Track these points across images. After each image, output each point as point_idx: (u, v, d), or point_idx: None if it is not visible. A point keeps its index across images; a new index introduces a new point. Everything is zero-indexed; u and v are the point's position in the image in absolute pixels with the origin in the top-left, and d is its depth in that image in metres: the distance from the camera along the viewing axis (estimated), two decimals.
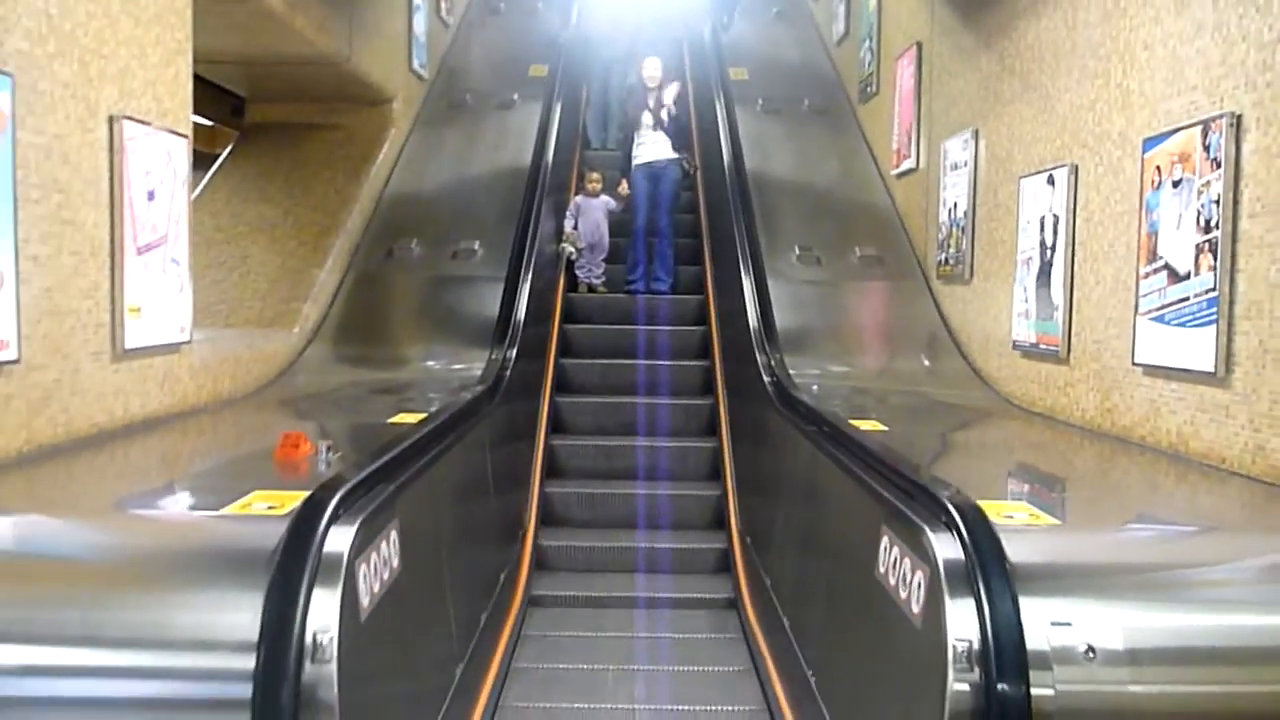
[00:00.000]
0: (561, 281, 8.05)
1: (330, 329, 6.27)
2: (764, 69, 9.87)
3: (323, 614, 2.28)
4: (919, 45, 6.97)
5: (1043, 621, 2.31)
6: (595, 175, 8.20)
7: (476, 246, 7.09)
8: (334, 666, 2.24)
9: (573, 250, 7.99)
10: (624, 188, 8.17)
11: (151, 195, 3.96)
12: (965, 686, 2.29)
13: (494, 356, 5.61)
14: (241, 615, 2.28)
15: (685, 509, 6.20)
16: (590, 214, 8.08)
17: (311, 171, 7.31)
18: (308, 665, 2.23)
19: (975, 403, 5.27)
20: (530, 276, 6.48)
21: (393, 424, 4.15)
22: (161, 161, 4.04)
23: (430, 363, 6.16)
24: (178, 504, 3.06)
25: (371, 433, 4.19)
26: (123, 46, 3.77)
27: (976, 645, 2.29)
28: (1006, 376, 5.30)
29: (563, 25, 10.78)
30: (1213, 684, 2.37)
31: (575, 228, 8.04)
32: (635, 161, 8.08)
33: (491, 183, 7.88)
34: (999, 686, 2.25)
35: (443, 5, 9.64)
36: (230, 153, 7.56)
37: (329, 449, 3.43)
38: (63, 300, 3.42)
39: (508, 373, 5.39)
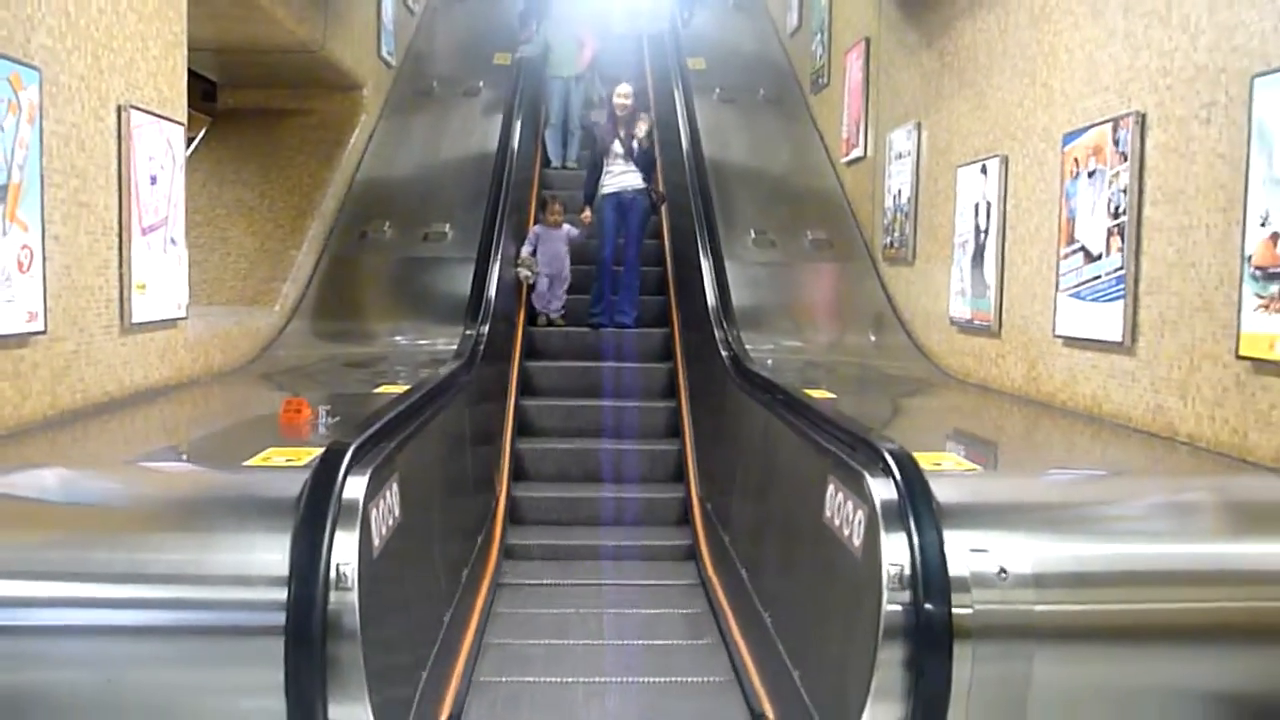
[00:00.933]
0: (521, 315, 7.67)
1: (309, 307, 6.56)
2: (721, 59, 10.22)
3: (344, 551, 2.62)
4: (867, 40, 7.38)
5: (963, 550, 2.71)
6: (558, 206, 7.75)
7: (447, 229, 7.40)
8: (355, 595, 2.59)
9: (529, 274, 7.53)
10: (587, 215, 7.75)
11: (154, 180, 4.25)
12: (897, 606, 2.69)
13: (468, 332, 5.94)
14: (272, 554, 2.61)
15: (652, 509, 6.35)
16: (551, 244, 7.62)
17: (286, 156, 7.57)
18: (333, 595, 2.57)
19: (917, 374, 5.70)
20: (499, 259, 6.80)
21: (379, 393, 4.49)
22: (162, 148, 4.32)
23: (404, 339, 6.49)
24: (205, 459, 3.38)
25: (360, 401, 4.51)
26: (129, 40, 4.05)
27: (907, 570, 2.69)
28: (945, 350, 5.73)
29: (523, 28, 10.34)
30: (1104, 603, 2.79)
31: (534, 254, 7.61)
32: (603, 191, 7.67)
33: (460, 167, 8.19)
34: (925, 605, 2.65)
35: None
36: (205, 136, 7.80)
37: (327, 414, 3.77)
38: (79, 277, 3.71)
39: (481, 346, 5.73)
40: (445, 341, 6.16)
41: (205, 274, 6.49)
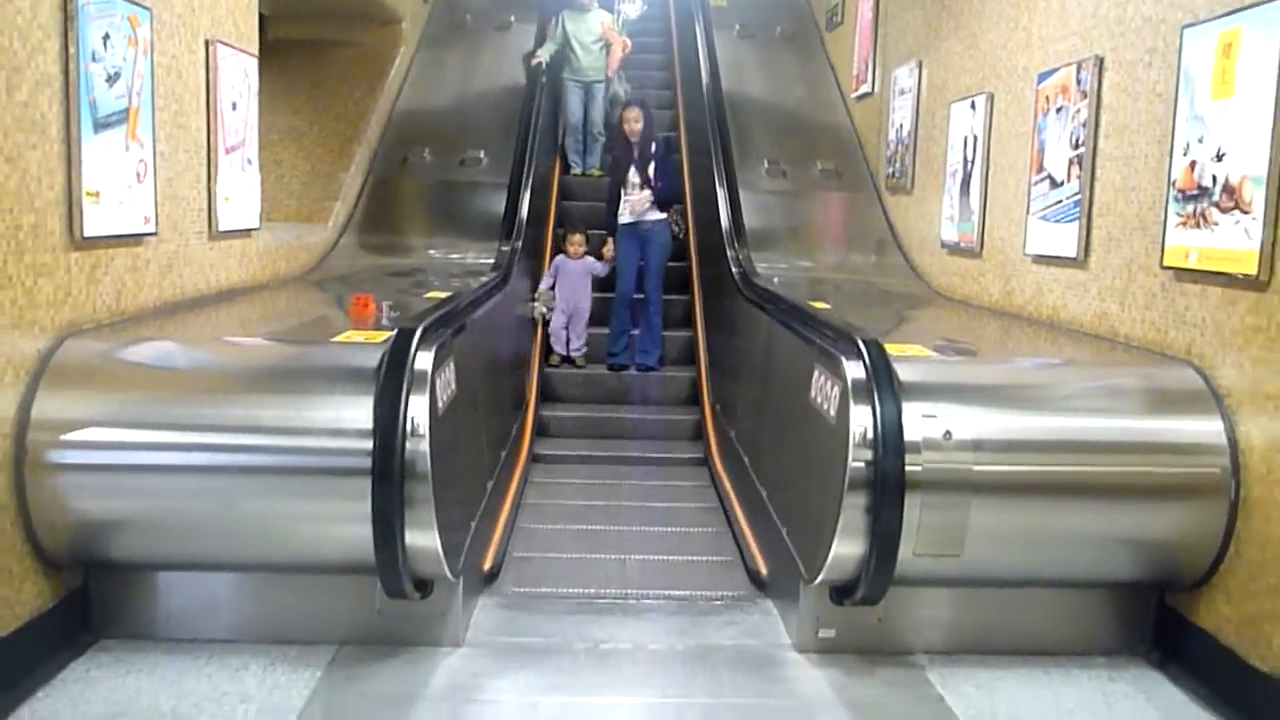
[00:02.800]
0: (536, 354, 7.39)
1: (357, 224, 7.19)
2: None
3: (416, 408, 3.28)
4: None
5: (917, 417, 3.34)
6: (578, 237, 7.39)
7: (481, 155, 7.97)
8: (427, 443, 3.25)
9: (545, 310, 7.26)
10: (609, 249, 7.48)
11: (234, 106, 4.85)
12: (861, 463, 3.33)
13: (503, 248, 6.58)
14: (358, 410, 3.28)
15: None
16: (570, 278, 7.33)
17: (332, 86, 8.12)
18: (408, 443, 3.23)
19: (911, 291, 6.28)
20: (531, 180, 7.40)
21: (428, 298, 5.12)
22: (240, 77, 4.92)
23: (443, 253, 7.13)
24: (298, 337, 4.05)
25: (411, 303, 5.15)
26: None
27: (870, 434, 3.32)
28: (937, 271, 6.30)
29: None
30: (1028, 464, 3.45)
31: (552, 288, 7.37)
32: (620, 221, 7.43)
33: (493, 98, 8.72)
34: (883, 462, 3.29)
35: None
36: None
37: (390, 308, 4.42)
38: (179, 189, 4.33)
39: (515, 261, 6.37)
40: (475, 256, 6.81)
41: (264, 193, 7.08)
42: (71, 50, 3.41)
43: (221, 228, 4.74)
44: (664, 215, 7.42)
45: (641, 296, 7.45)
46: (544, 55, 8.83)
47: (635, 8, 8.85)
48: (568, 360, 7.35)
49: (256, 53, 5.17)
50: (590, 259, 7.41)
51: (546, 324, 7.39)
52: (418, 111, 8.49)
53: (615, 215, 7.42)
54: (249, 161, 5.09)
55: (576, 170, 9.36)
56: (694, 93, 9.19)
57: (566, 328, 7.37)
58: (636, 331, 7.47)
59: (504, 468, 5.27)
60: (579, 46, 9.03)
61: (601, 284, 7.64)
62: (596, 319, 7.53)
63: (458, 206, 7.67)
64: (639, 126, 7.38)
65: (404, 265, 6.71)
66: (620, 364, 7.39)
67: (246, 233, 5.11)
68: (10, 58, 3.12)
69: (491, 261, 6.53)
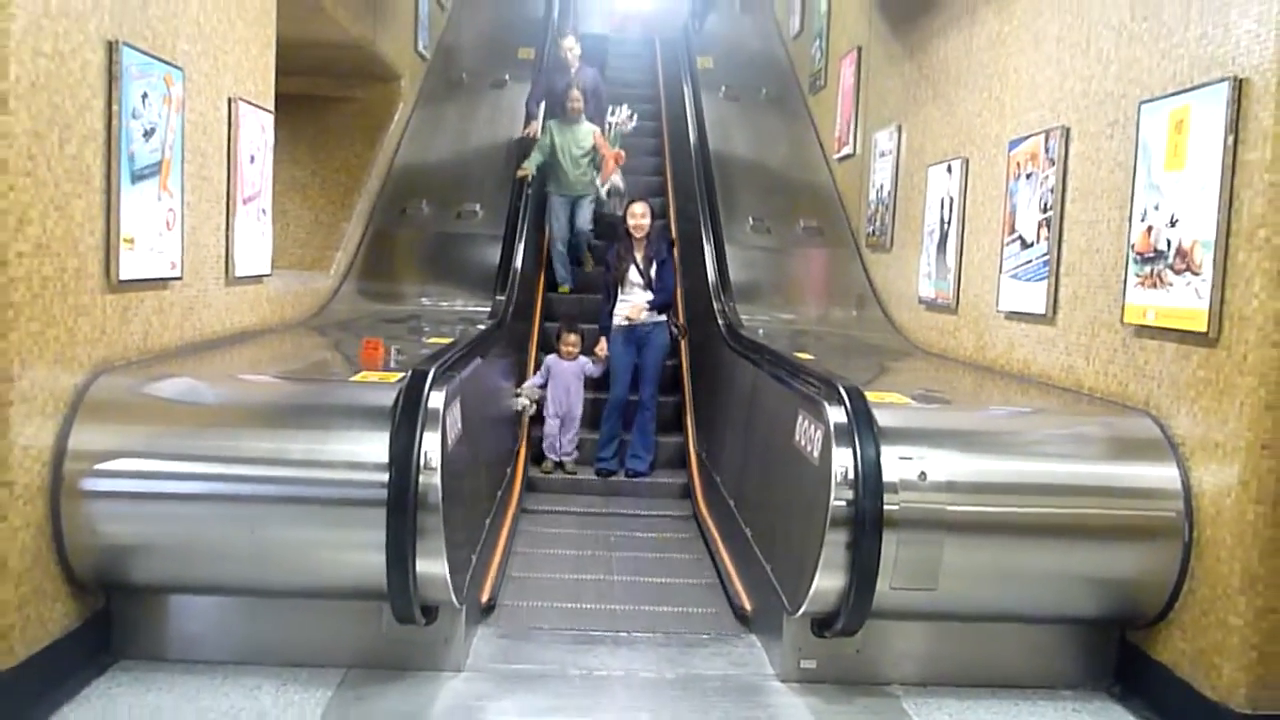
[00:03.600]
0: (521, 460, 6.94)
1: (357, 273, 7.47)
2: (727, 58, 11.06)
3: (429, 443, 3.51)
4: (859, 49, 8.23)
5: (894, 459, 3.60)
6: (572, 337, 6.96)
7: (477, 209, 8.27)
8: (438, 477, 3.48)
9: (527, 404, 6.77)
10: (602, 348, 7.01)
11: (252, 159, 5.12)
12: (842, 502, 3.58)
13: (498, 297, 6.85)
14: (375, 445, 3.52)
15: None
16: (562, 379, 6.91)
17: (333, 139, 8.45)
18: (422, 475, 3.46)
19: (889, 344, 6.57)
20: (524, 235, 7.69)
21: (430, 342, 5.37)
22: (258, 132, 5.19)
23: (442, 302, 7.40)
24: (316, 375, 4.29)
25: (414, 347, 5.40)
26: (237, 44, 4.91)
27: (851, 474, 3.58)
28: (914, 326, 6.60)
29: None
30: (998, 506, 3.71)
31: (544, 385, 6.93)
32: (615, 322, 6.94)
33: (489, 154, 9.04)
34: (863, 502, 3.54)
35: None
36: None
37: (396, 352, 4.67)
38: (201, 236, 4.58)
39: (510, 309, 6.64)
40: (474, 305, 7.07)
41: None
42: (115, 108, 3.68)
43: (237, 274, 4.98)
44: (664, 318, 7.00)
45: (634, 398, 7.08)
46: (530, 167, 8.28)
47: (627, 117, 8.46)
48: (559, 466, 7.02)
49: (272, 109, 5.45)
50: (583, 359, 7.00)
51: (539, 420, 7.01)
52: (416, 165, 8.81)
53: (609, 312, 6.95)
54: (263, 211, 5.35)
55: (565, 287, 8.80)
56: (681, 151, 9.54)
57: (559, 431, 7.00)
58: (628, 436, 7.14)
59: (498, 511, 5.48)
60: (567, 160, 8.37)
61: (594, 384, 7.28)
62: (586, 421, 7.21)
63: (455, 257, 7.94)
64: (645, 223, 6.87)
65: (404, 311, 6.98)
66: (608, 469, 7.02)
67: (259, 279, 5.36)
68: (63, 115, 3.38)
69: (488, 310, 6.79)
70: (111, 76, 3.66)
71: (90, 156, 3.58)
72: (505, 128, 9.40)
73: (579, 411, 6.96)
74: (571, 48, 8.93)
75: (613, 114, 8.54)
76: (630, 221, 6.88)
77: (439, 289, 7.60)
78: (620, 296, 6.90)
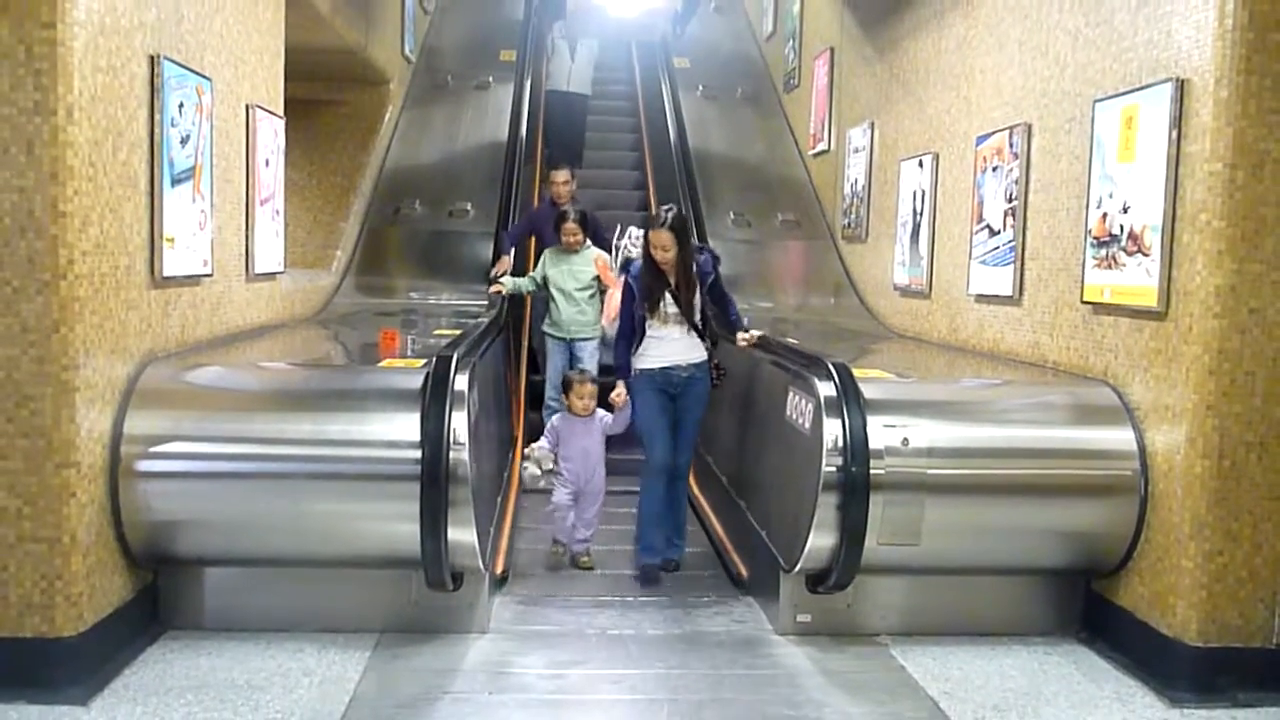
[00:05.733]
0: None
1: (356, 270, 7.76)
2: (703, 58, 11.38)
3: (457, 422, 3.84)
4: (832, 50, 8.60)
5: (879, 428, 3.97)
6: (588, 388, 5.27)
7: (469, 207, 8.57)
8: (466, 451, 3.81)
9: (538, 473, 5.14)
10: (620, 394, 5.15)
11: (267, 163, 5.42)
12: (833, 467, 3.95)
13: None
14: (407, 424, 3.84)
15: None
16: (577, 440, 5.20)
17: (326, 142, 8.72)
18: (452, 451, 3.79)
19: (866, 329, 6.96)
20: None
21: (439, 333, 5.69)
22: (271, 137, 5.49)
23: (438, 297, 7.70)
24: (347, 362, 4.60)
25: (424, 337, 5.71)
26: (253, 54, 5.21)
27: (840, 442, 3.94)
28: (889, 311, 6.99)
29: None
30: (973, 468, 4.09)
31: (554, 448, 5.19)
32: (642, 365, 5.12)
33: (476, 153, 9.33)
34: (852, 467, 3.90)
35: None
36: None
37: (412, 340, 4.99)
38: (226, 236, 4.88)
39: (506, 302, 6.96)
40: (470, 299, 7.38)
41: None
42: (157, 117, 3.99)
43: (256, 271, 5.28)
44: (706, 356, 5.21)
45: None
46: (507, 286, 6.86)
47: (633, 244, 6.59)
48: (573, 561, 5.24)
49: (283, 114, 5.75)
50: (601, 413, 5.27)
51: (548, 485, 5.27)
52: (406, 166, 9.08)
53: (627, 352, 5.17)
54: (277, 212, 5.65)
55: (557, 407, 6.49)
56: (661, 149, 9.88)
57: (573, 507, 5.20)
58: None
59: (505, 488, 5.82)
60: (561, 296, 6.72)
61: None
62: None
63: (448, 254, 8.23)
64: (672, 255, 4.99)
65: (403, 306, 7.30)
66: (655, 564, 5.10)
67: (273, 276, 5.66)
68: (115, 124, 3.69)
69: (484, 303, 7.11)
70: (154, 88, 3.97)
71: (137, 162, 3.88)
72: (491, 129, 9.68)
73: (602, 483, 5.26)
74: (566, 181, 7.35)
75: (620, 236, 6.94)
76: (655, 254, 5.01)
77: (435, 284, 7.90)
78: (650, 333, 5.09)
